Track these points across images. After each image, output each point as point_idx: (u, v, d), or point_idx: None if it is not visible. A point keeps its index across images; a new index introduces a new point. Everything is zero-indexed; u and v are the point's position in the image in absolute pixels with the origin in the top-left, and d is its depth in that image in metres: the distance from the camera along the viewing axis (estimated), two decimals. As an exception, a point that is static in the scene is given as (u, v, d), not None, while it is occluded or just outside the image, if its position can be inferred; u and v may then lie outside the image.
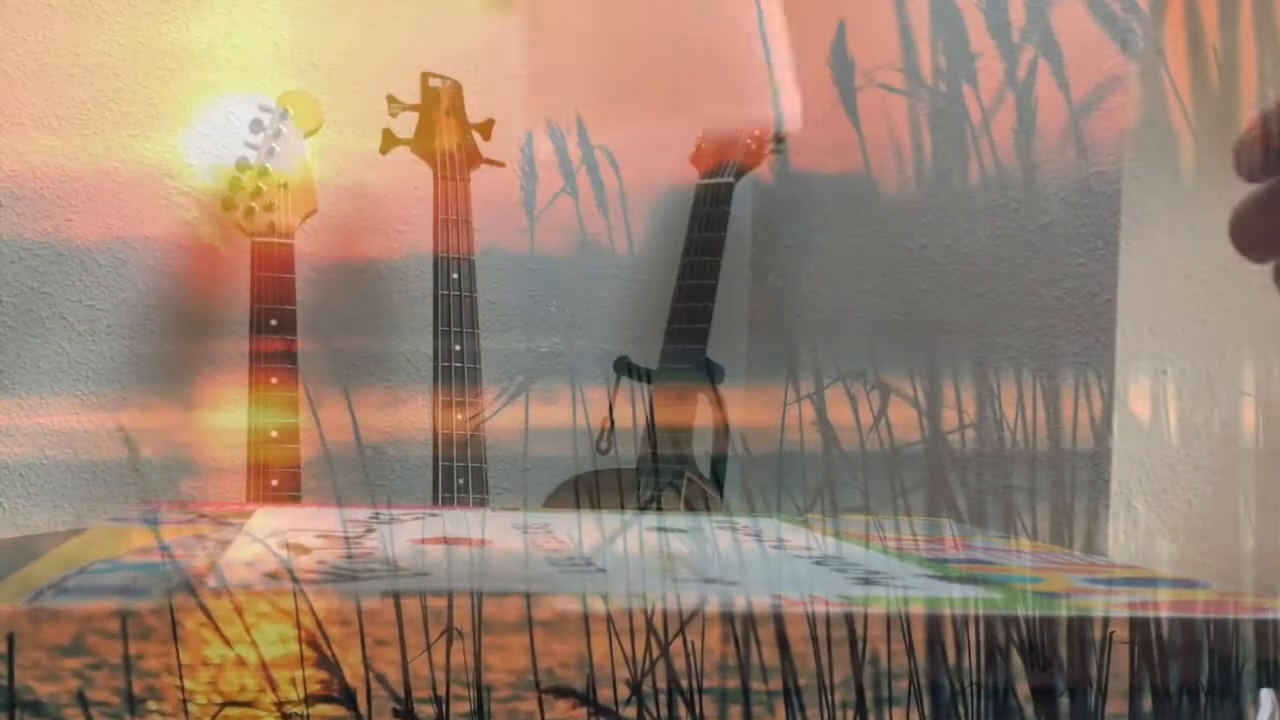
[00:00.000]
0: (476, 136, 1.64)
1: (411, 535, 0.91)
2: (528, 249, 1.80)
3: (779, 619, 0.64)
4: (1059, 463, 1.19)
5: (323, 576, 0.70)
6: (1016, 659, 0.65)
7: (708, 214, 1.73)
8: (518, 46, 1.83)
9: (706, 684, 0.63)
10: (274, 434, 1.46)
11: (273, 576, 0.70)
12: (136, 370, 1.66)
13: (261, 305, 1.52)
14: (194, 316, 1.72)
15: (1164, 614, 0.68)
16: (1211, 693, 0.67)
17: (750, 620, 0.64)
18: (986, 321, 1.51)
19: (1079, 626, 0.68)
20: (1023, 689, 0.67)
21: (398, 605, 0.61)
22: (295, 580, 0.66)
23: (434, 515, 1.09)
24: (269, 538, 0.86)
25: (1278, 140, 0.44)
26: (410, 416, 1.75)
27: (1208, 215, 1.35)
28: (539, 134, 1.50)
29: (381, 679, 0.60)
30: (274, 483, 1.44)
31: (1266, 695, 0.67)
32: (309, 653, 0.60)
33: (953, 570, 0.82)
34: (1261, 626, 0.68)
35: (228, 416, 1.58)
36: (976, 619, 0.67)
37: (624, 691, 0.62)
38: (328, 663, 0.60)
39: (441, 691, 0.61)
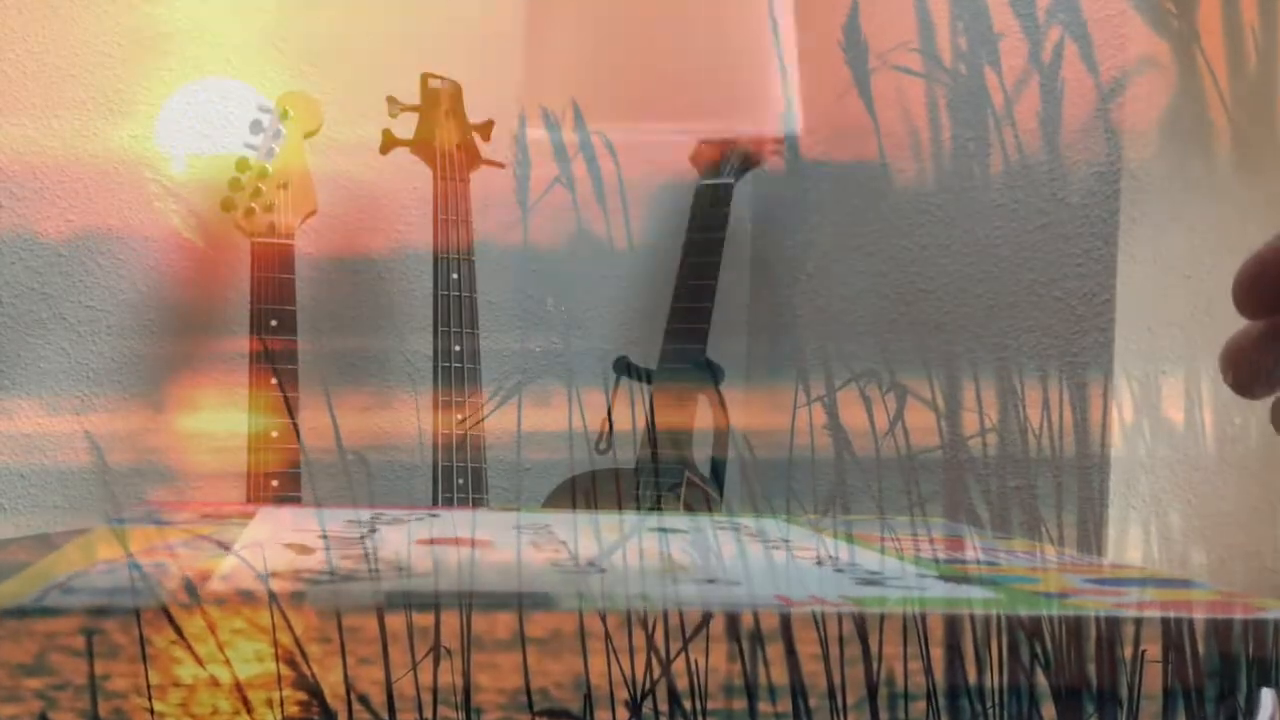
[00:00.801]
0: (476, 137, 1.64)
1: (409, 537, 0.90)
2: (520, 242, 1.78)
3: (783, 620, 0.63)
4: (1057, 463, 1.19)
5: (317, 582, 0.69)
6: (1014, 659, 0.65)
7: (707, 214, 1.73)
8: (515, 35, 1.82)
9: (707, 685, 0.62)
10: (274, 434, 1.46)
11: (276, 579, 0.69)
12: (136, 371, 1.66)
13: (261, 305, 1.52)
14: (192, 317, 1.71)
15: (1160, 614, 0.68)
16: (1211, 692, 0.67)
17: (755, 624, 0.63)
18: (986, 322, 1.50)
19: (1074, 627, 0.68)
20: (1019, 686, 0.66)
21: (382, 622, 0.60)
22: (274, 597, 0.65)
23: (434, 515, 1.09)
24: (264, 543, 0.86)
25: (1277, 279, 0.43)
26: (409, 416, 1.75)
27: (1209, 212, 1.34)
28: (533, 121, 1.49)
29: (364, 699, 0.59)
30: (274, 483, 1.44)
31: (1267, 695, 0.67)
32: (287, 671, 0.59)
33: (951, 570, 0.81)
34: (1260, 626, 0.68)
35: (228, 417, 1.57)
36: (973, 619, 0.67)
37: (623, 713, 0.61)
38: (307, 681, 0.59)
39: (429, 714, 0.60)
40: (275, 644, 0.59)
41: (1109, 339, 1.32)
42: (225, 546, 0.81)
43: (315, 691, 0.58)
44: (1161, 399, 1.31)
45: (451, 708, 0.58)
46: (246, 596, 0.63)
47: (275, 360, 1.49)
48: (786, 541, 0.93)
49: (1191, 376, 1.29)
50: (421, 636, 0.59)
